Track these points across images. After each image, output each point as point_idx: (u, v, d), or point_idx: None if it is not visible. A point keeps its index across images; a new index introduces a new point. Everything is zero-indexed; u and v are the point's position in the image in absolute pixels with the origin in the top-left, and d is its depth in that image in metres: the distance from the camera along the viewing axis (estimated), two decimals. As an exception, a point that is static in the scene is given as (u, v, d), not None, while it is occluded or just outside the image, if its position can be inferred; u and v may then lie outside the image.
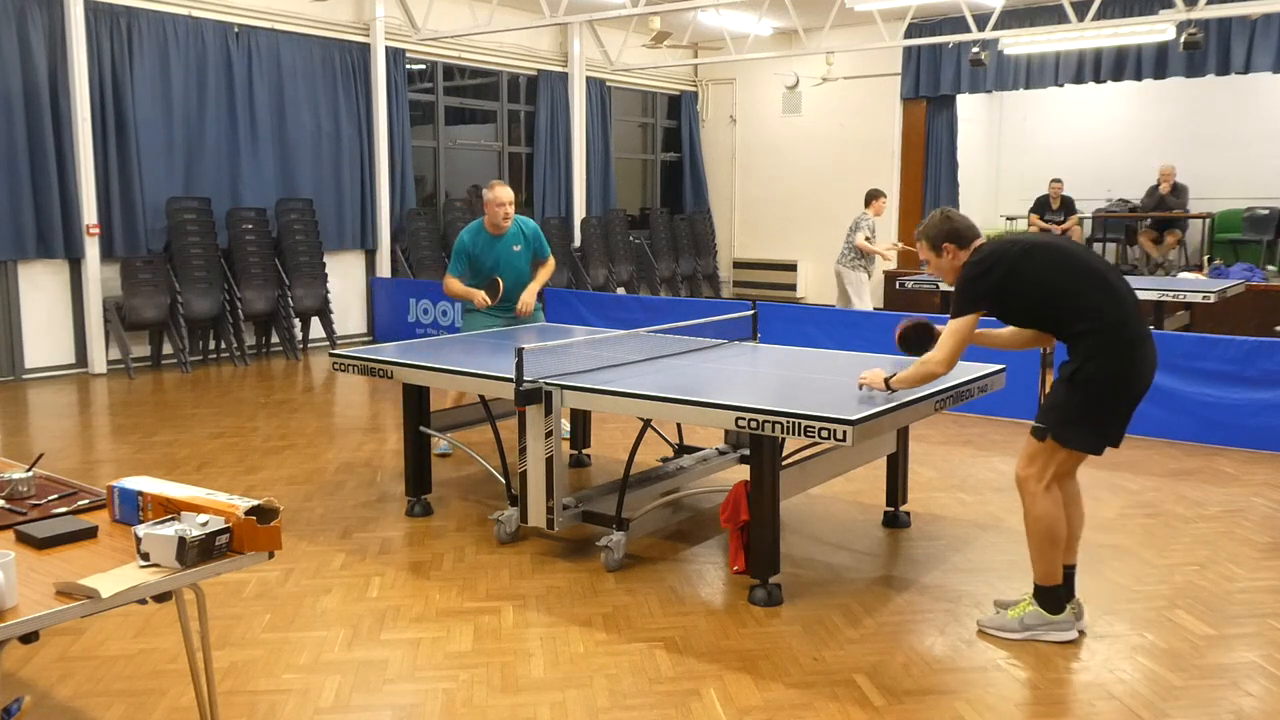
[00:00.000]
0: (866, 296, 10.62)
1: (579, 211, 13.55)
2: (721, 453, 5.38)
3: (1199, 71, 11.57)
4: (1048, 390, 7.02)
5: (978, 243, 3.69)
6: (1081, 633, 3.72)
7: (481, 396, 4.79)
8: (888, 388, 3.86)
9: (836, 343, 7.15)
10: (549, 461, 4.32)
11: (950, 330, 3.63)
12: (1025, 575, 4.24)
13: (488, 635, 3.71)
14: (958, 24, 11.82)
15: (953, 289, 3.69)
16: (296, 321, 10.27)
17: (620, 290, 13.45)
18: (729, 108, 15.40)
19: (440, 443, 5.99)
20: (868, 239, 10.19)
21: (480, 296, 5.95)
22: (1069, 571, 3.75)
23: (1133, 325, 3.51)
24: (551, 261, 6.34)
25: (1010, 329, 3.93)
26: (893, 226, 13.53)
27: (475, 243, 6.04)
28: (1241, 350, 6.49)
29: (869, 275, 10.47)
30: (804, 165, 14.65)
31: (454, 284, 6.09)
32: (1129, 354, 3.49)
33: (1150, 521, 5.05)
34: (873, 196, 10.35)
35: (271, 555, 2.58)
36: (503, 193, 5.99)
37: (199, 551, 2.45)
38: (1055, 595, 3.64)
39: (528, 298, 6.08)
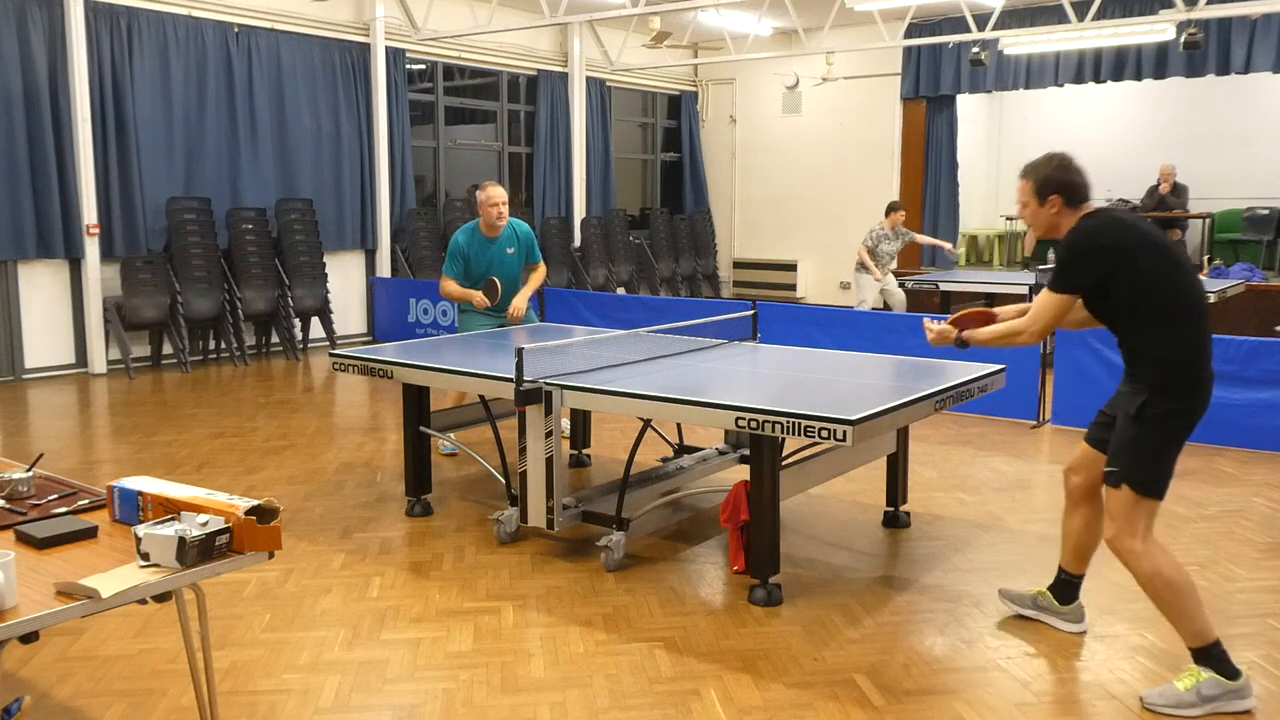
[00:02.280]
0: (870, 298, 10.71)
1: (579, 211, 13.55)
2: (721, 453, 5.38)
3: (1199, 71, 11.57)
4: (1050, 395, 7.06)
5: (1089, 208, 3.32)
6: (1084, 633, 3.73)
7: (481, 396, 4.79)
8: (959, 342, 3.57)
9: (836, 343, 7.15)
10: (549, 461, 4.32)
11: (1045, 304, 3.28)
12: (1024, 575, 4.25)
13: (488, 635, 3.71)
14: (958, 24, 11.82)
15: (1054, 253, 3.32)
16: (296, 321, 10.27)
17: (620, 290, 13.45)
18: (729, 108, 15.41)
19: (444, 442, 5.99)
20: (870, 250, 10.37)
21: (479, 297, 5.94)
22: (1075, 580, 3.72)
23: (1209, 365, 3.25)
24: (543, 268, 6.33)
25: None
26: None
27: (470, 244, 6.02)
28: (1241, 350, 6.49)
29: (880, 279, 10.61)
30: (804, 165, 14.65)
31: (451, 286, 6.06)
32: (1198, 395, 3.23)
33: (1150, 521, 5.04)
34: (889, 209, 10.54)
35: (271, 555, 2.58)
36: (495, 192, 5.96)
37: (199, 551, 2.45)
38: (1219, 654, 3.15)
39: (520, 303, 6.07)
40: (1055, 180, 3.31)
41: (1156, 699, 3.17)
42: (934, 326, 3.67)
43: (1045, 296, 3.29)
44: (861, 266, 10.53)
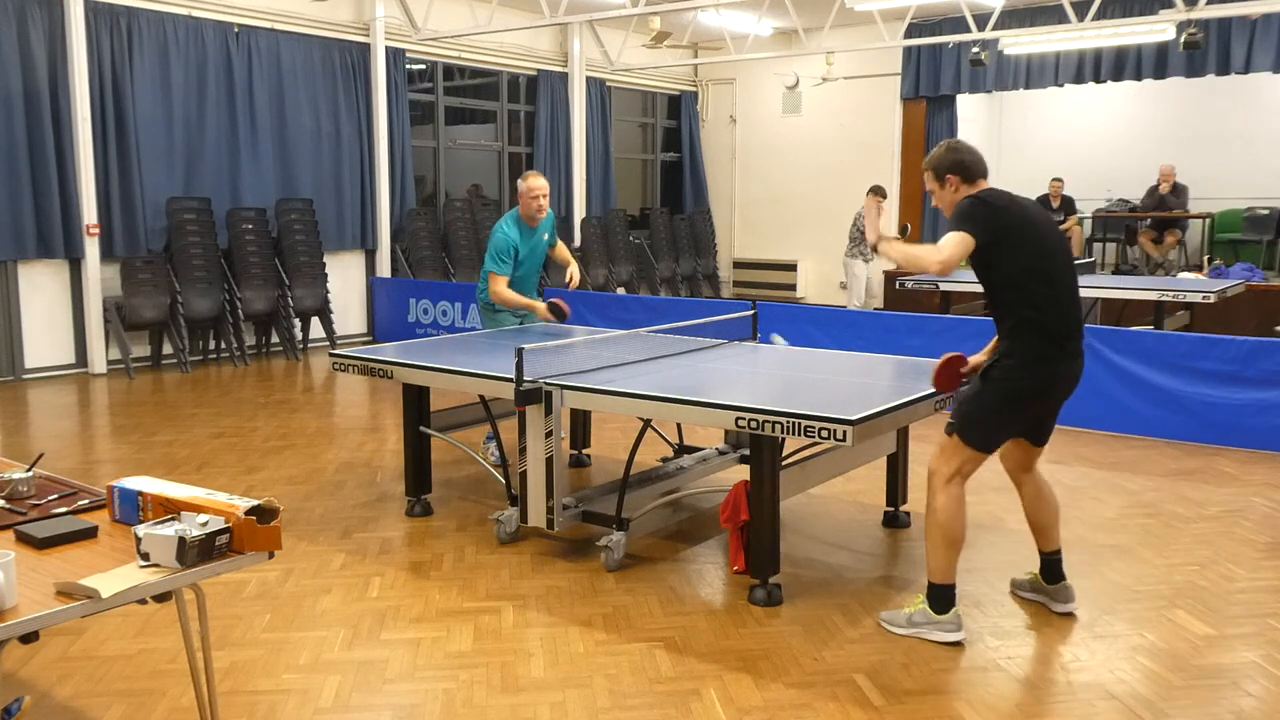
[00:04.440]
0: (861, 289, 10.82)
1: (579, 211, 13.55)
2: (721, 453, 5.38)
3: (1199, 71, 11.57)
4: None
5: (985, 184, 3.65)
6: (1073, 615, 3.82)
7: (481, 396, 4.79)
8: (872, 247, 3.89)
9: (836, 343, 7.15)
10: (549, 461, 4.32)
11: (952, 239, 3.49)
12: (1022, 574, 4.25)
13: (488, 635, 3.71)
14: (958, 24, 11.82)
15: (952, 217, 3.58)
16: (296, 321, 10.27)
17: (620, 290, 13.45)
18: (729, 108, 15.40)
19: (490, 454, 5.73)
20: (862, 231, 10.64)
21: (543, 309, 5.71)
22: (1053, 557, 3.89)
23: (1069, 343, 3.55)
24: (562, 244, 6.25)
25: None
26: (893, 226, 13.52)
27: (521, 239, 5.78)
28: (1241, 350, 6.49)
29: (867, 262, 10.75)
30: (804, 165, 14.65)
31: (510, 293, 5.73)
32: (1052, 368, 3.54)
33: (1150, 521, 5.05)
34: (869, 192, 10.69)
35: (271, 555, 2.58)
36: (538, 183, 5.74)
37: (199, 551, 2.45)
38: (945, 595, 3.65)
39: (574, 270, 6.04)
40: (948, 162, 3.66)
41: (885, 615, 3.79)
42: (873, 223, 3.93)
43: (950, 234, 3.52)
44: (857, 248, 10.68)
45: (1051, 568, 3.92)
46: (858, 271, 10.86)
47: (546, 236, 6.01)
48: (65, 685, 3.33)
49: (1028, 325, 3.51)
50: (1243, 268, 11.82)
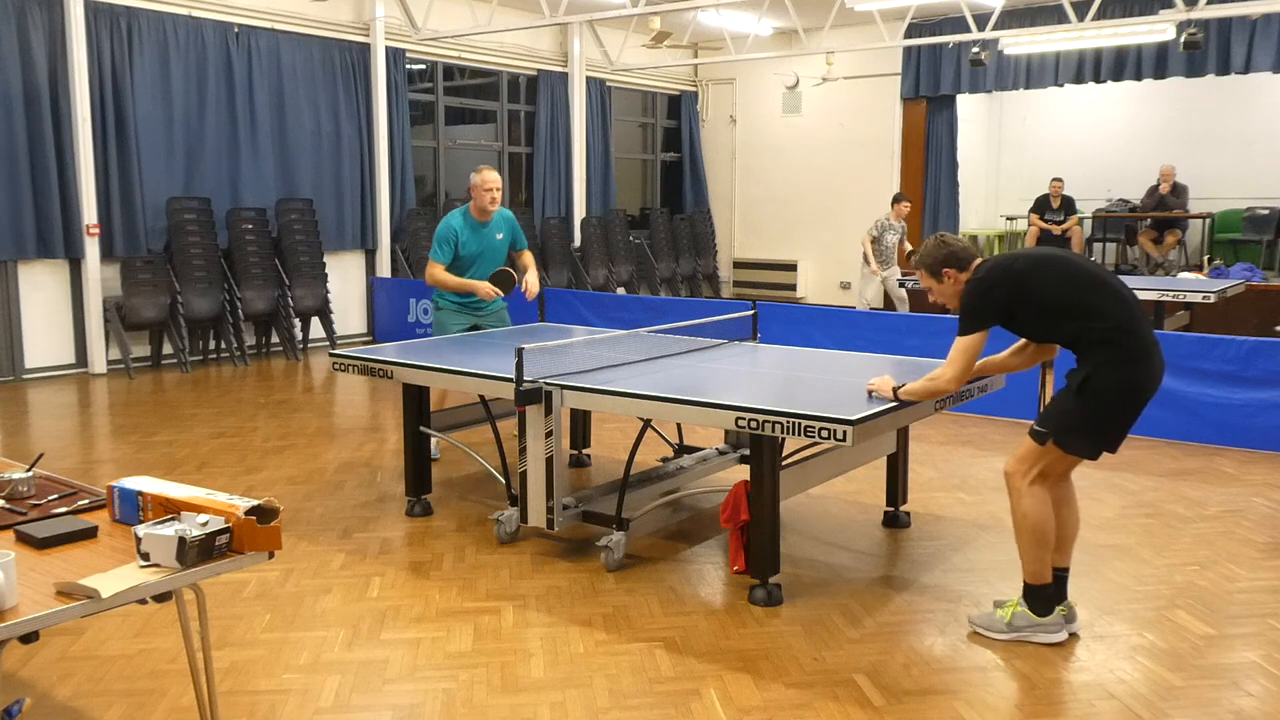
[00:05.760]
0: (870, 293, 10.85)
1: (579, 211, 13.55)
2: (721, 453, 5.38)
3: (1199, 71, 11.57)
4: (1049, 395, 7.05)
5: (977, 262, 3.70)
6: (1075, 635, 3.72)
7: (481, 396, 4.79)
8: (896, 398, 3.82)
9: (836, 343, 7.15)
10: (549, 461, 4.32)
11: (958, 349, 3.63)
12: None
13: (488, 635, 3.71)
14: (958, 24, 11.82)
15: (958, 312, 3.68)
16: (296, 321, 10.27)
17: (620, 290, 13.45)
18: (729, 108, 15.40)
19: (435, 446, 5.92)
20: (874, 239, 10.66)
21: (487, 288, 5.77)
22: (1061, 574, 3.74)
23: (1141, 334, 3.52)
24: (529, 253, 6.23)
25: (1008, 352, 3.96)
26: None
27: (464, 229, 5.86)
28: (1241, 350, 6.49)
29: (885, 270, 10.83)
30: (804, 165, 14.65)
31: (446, 274, 5.81)
32: (1138, 363, 3.50)
33: (1150, 521, 5.05)
34: (895, 200, 10.99)
35: (271, 555, 2.58)
36: (491, 176, 5.81)
37: (199, 551, 2.45)
38: (1044, 596, 3.63)
39: (533, 281, 5.95)
40: (940, 258, 3.72)
41: (978, 620, 3.73)
42: (874, 382, 3.94)
43: (957, 344, 3.64)
44: (866, 258, 10.76)
45: (1056, 585, 3.74)
46: (867, 276, 10.88)
47: (501, 236, 5.99)
48: (65, 685, 3.33)
49: (1095, 343, 3.50)
50: (1243, 268, 11.82)
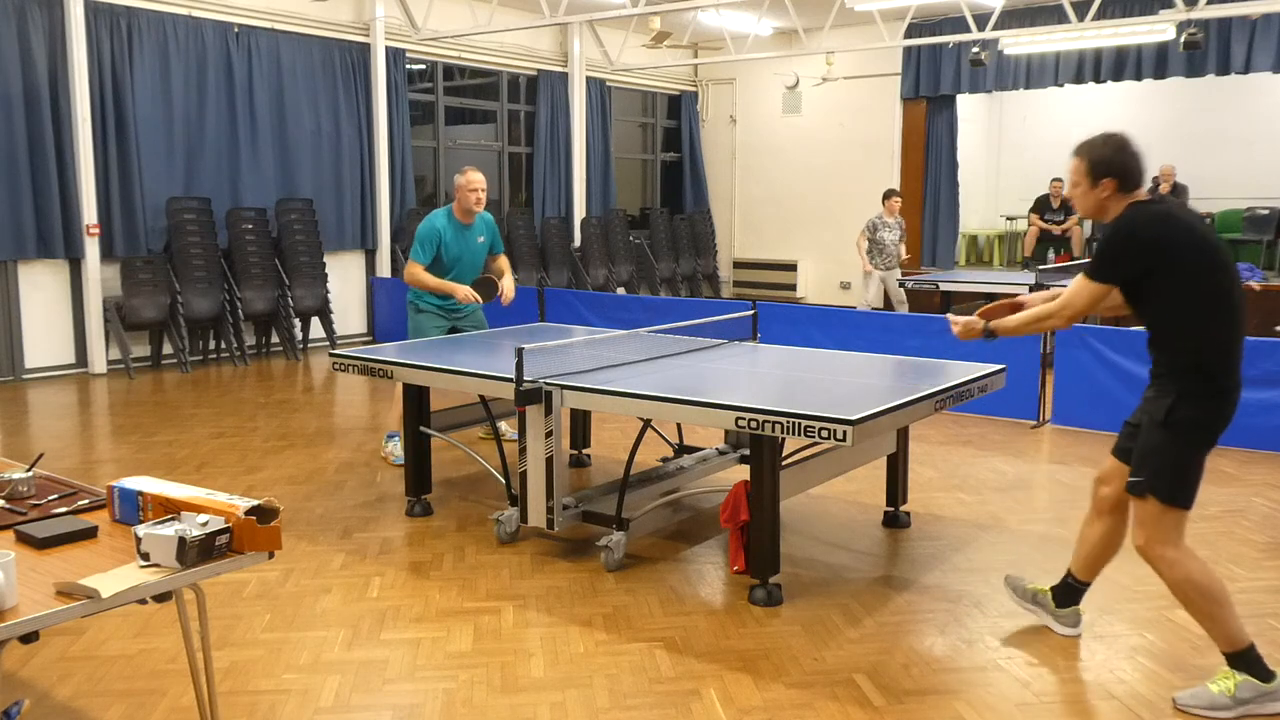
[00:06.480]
0: (871, 291, 10.88)
1: (579, 211, 13.55)
2: (721, 453, 5.38)
3: (1199, 71, 11.57)
4: (1050, 394, 7.06)
5: (1141, 196, 3.18)
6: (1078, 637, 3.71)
7: (481, 396, 4.79)
8: (987, 333, 3.46)
9: (836, 343, 7.15)
10: (549, 461, 4.32)
11: (1080, 292, 3.18)
12: (1024, 574, 4.25)
13: (488, 635, 3.71)
14: (958, 24, 11.82)
15: (1098, 241, 3.19)
16: (296, 321, 10.27)
17: (620, 290, 13.45)
18: (729, 108, 15.40)
19: (394, 454, 5.96)
20: (870, 238, 10.74)
21: (465, 291, 5.72)
22: (1081, 586, 3.67)
23: (1238, 373, 3.23)
24: (505, 258, 6.21)
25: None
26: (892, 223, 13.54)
27: (448, 230, 5.83)
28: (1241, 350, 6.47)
29: (879, 269, 10.86)
30: (804, 165, 14.65)
31: (426, 275, 5.75)
32: (1226, 402, 3.19)
33: (1150, 521, 5.04)
34: (886, 195, 10.95)
35: (271, 555, 2.58)
36: (476, 177, 5.79)
37: (199, 551, 2.45)
38: (1253, 658, 3.14)
39: (509, 286, 5.92)
40: (1111, 163, 3.16)
41: (1190, 700, 3.16)
42: (959, 319, 3.54)
43: (1081, 282, 3.19)
44: (867, 253, 10.80)
45: (1072, 594, 3.68)
46: (871, 273, 10.92)
47: (482, 239, 5.97)
48: (65, 685, 3.33)
49: (1191, 367, 3.15)
50: (1243, 268, 11.80)
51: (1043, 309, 3.34)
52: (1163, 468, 3.14)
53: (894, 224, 10.83)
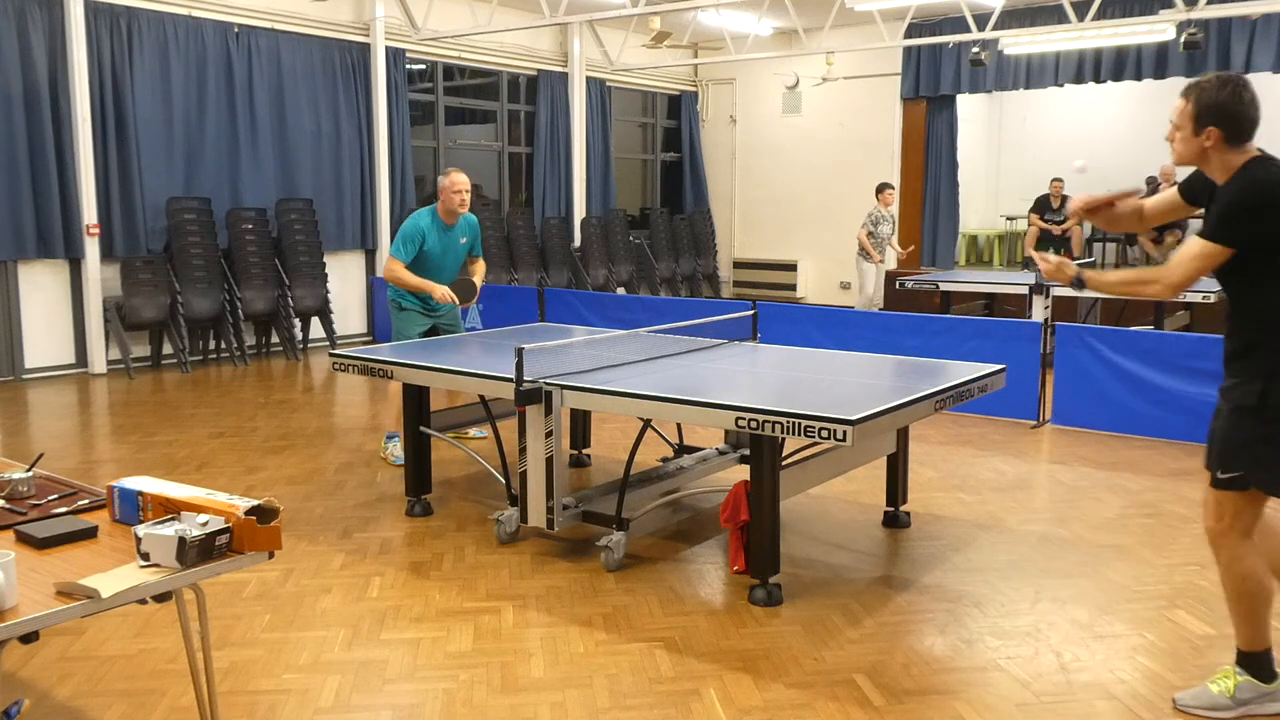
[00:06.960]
0: (869, 286, 10.92)
1: (579, 211, 13.55)
2: (721, 453, 5.38)
3: (1199, 71, 11.49)
4: (1050, 394, 7.06)
5: (1252, 151, 2.89)
6: None
7: (481, 396, 4.79)
8: (1077, 282, 3.16)
9: (836, 343, 7.15)
10: (549, 461, 4.32)
11: (1194, 253, 2.88)
12: (1024, 574, 4.26)
13: (488, 635, 3.71)
14: (958, 24, 11.82)
15: (1215, 201, 2.90)
16: (296, 321, 10.27)
17: (620, 290, 13.46)
18: (729, 108, 15.41)
19: (394, 454, 5.97)
20: (870, 233, 10.79)
21: (444, 291, 5.70)
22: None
23: None
24: (483, 263, 6.22)
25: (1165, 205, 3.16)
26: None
27: (431, 230, 5.84)
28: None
29: (876, 264, 10.94)
30: (804, 165, 14.66)
31: (407, 273, 5.75)
32: None
33: (1150, 521, 5.05)
34: (880, 189, 10.92)
35: (271, 555, 2.58)
36: (460, 178, 5.82)
37: (199, 551, 2.45)
38: (1265, 659, 3.08)
39: (477, 283, 5.95)
40: (1223, 110, 2.84)
41: (1190, 700, 3.15)
42: (1052, 258, 3.23)
43: (1197, 245, 2.88)
44: (863, 253, 10.83)
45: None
46: (867, 270, 10.98)
47: (465, 240, 5.98)
48: (65, 685, 3.32)
49: (1271, 349, 2.89)
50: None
51: (1147, 272, 3.05)
52: (1264, 458, 2.90)
53: (889, 216, 10.95)
